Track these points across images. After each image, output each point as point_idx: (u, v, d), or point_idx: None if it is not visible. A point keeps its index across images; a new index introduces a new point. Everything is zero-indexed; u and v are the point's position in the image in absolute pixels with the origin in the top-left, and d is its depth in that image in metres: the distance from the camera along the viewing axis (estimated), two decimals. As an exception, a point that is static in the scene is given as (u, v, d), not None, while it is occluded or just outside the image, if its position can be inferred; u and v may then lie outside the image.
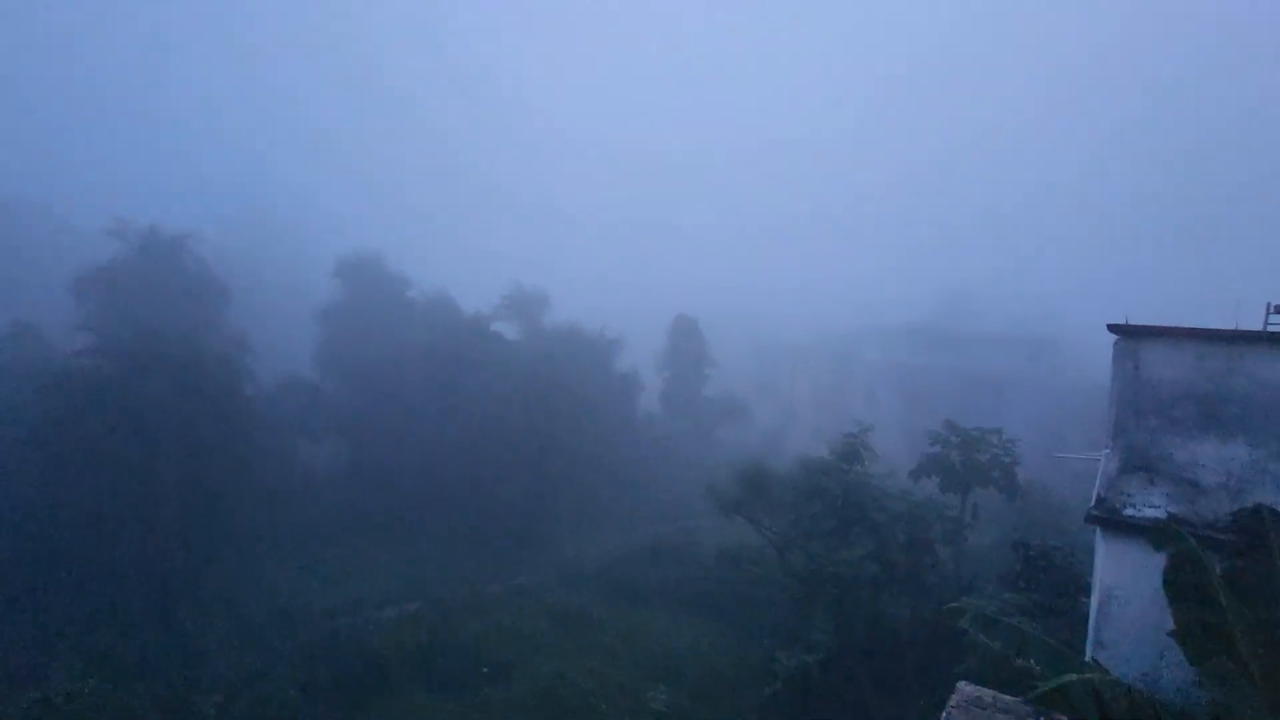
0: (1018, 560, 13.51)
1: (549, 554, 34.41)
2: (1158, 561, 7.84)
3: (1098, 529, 9.23)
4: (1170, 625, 7.43)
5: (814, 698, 16.60)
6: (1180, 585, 7.25)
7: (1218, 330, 8.87)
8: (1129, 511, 8.95)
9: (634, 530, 39.12)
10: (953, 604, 8.10)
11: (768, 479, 19.95)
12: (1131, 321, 9.44)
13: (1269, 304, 11.75)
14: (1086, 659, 8.91)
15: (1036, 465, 24.46)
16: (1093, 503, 9.56)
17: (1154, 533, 7.79)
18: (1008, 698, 5.14)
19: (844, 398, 61.03)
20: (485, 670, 21.57)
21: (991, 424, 27.06)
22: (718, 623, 23.84)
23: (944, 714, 5.05)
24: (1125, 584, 8.76)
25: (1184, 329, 9.04)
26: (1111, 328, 9.54)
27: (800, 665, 14.77)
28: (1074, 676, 5.64)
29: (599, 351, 49.59)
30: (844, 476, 18.47)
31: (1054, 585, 12.29)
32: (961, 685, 5.36)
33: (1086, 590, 9.32)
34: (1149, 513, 8.79)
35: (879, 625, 16.66)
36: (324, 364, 43.59)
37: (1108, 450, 9.34)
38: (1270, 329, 10.77)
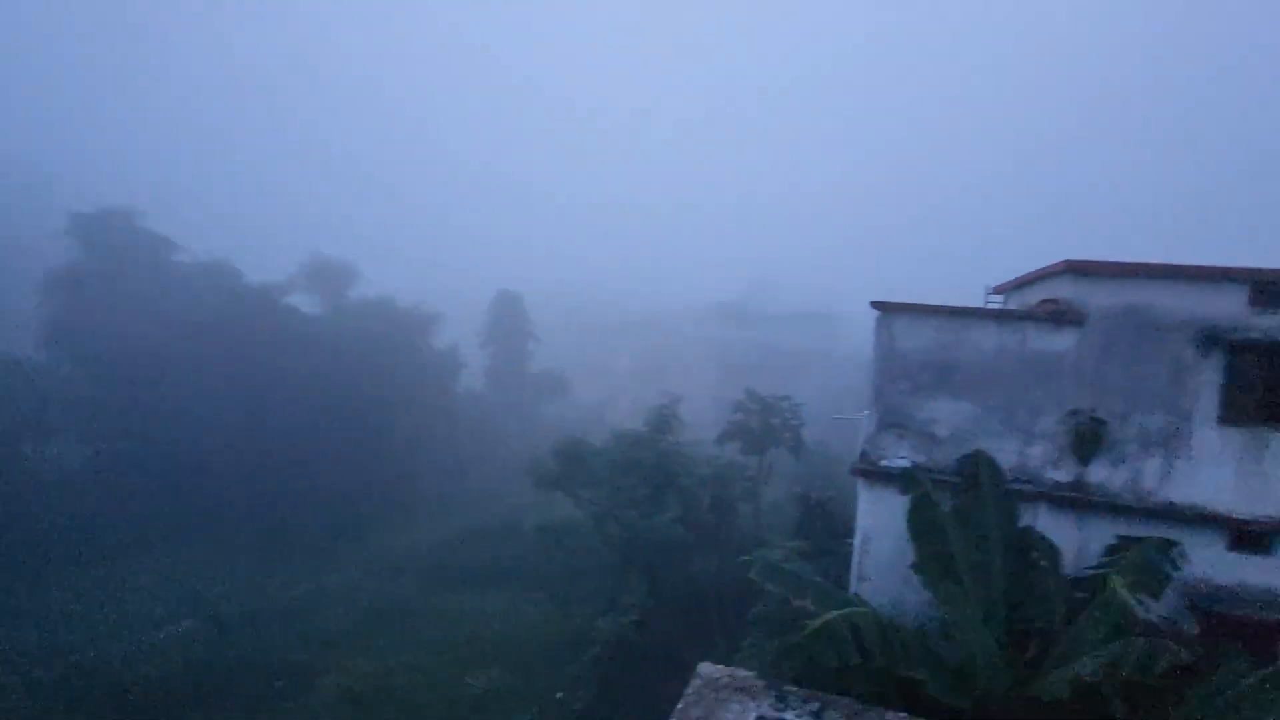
0: (799, 511, 15.23)
1: (365, 548, 31.87)
2: (904, 504, 9.16)
3: (859, 479, 10.56)
4: (913, 558, 8.76)
5: (632, 657, 17.43)
6: (919, 523, 8.51)
7: (950, 307, 10.43)
8: (884, 463, 10.33)
9: (457, 514, 37.66)
10: (745, 557, 8.75)
11: (586, 453, 20.28)
12: (892, 299, 10.80)
13: (987, 286, 14.25)
14: (851, 593, 10.21)
15: (822, 426, 27.89)
16: (856, 457, 10.92)
17: (901, 479, 9.07)
18: (744, 673, 5.52)
19: (664, 372, 64.16)
20: (279, 683, 19.38)
21: (790, 392, 30.18)
22: (542, 598, 23.94)
23: (682, 700, 5.26)
24: (880, 525, 10.13)
25: (927, 305, 10.49)
26: (873, 304, 10.83)
27: (617, 629, 15.37)
28: (835, 613, 6.31)
29: (414, 327, 46.42)
30: (656, 446, 19.45)
31: (828, 530, 14.13)
32: (701, 667, 5.66)
33: (853, 533, 10.61)
34: (898, 463, 10.21)
35: (689, 582, 17.88)
36: (56, 343, 35.38)
37: (868, 411, 10.67)
38: (989, 306, 13.04)
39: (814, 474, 24.14)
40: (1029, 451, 9.74)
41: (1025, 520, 9.28)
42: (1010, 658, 7.05)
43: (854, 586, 10.28)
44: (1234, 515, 8.97)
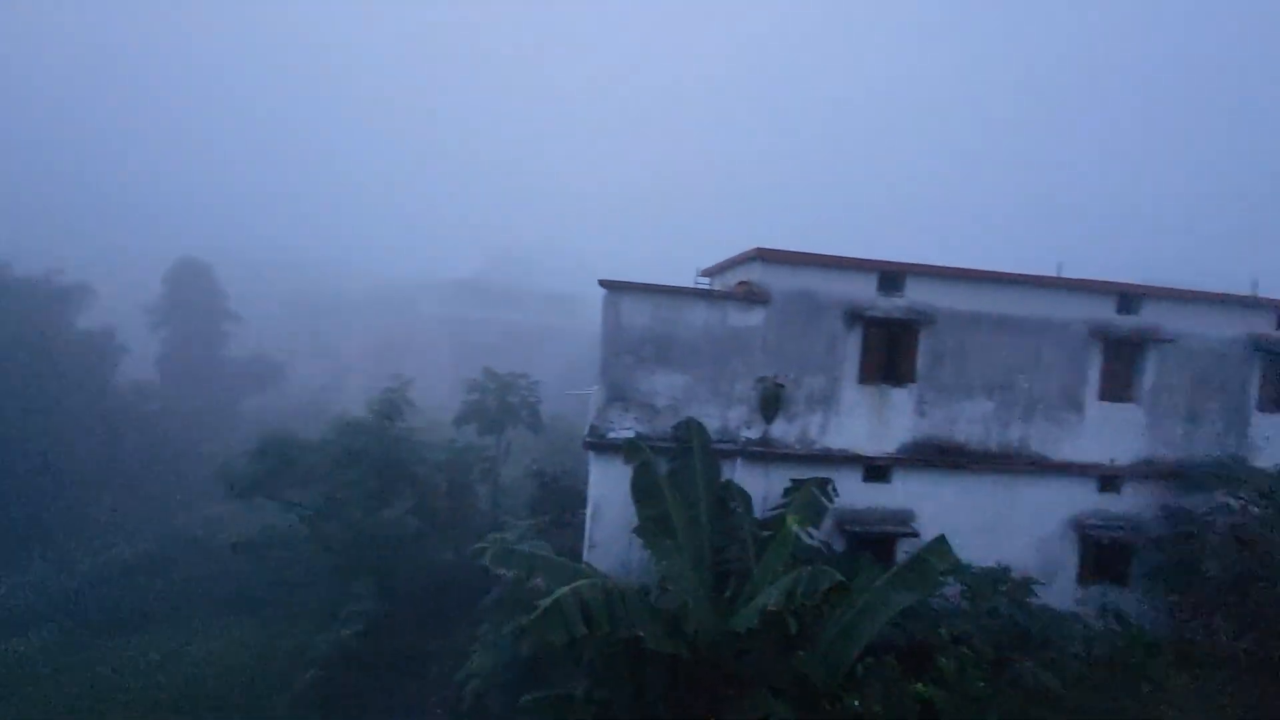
0: (536, 487, 15.43)
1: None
2: (629, 472, 9.70)
3: (590, 451, 10.93)
4: (637, 522, 9.34)
5: (363, 669, 15.84)
6: (640, 488, 9.07)
7: (667, 287, 11.27)
8: (611, 435, 10.81)
9: (122, 536, 29.89)
10: (478, 544, 8.37)
11: (294, 450, 17.56)
12: (620, 278, 11.25)
13: (698, 269, 15.81)
14: (584, 562, 10.54)
15: (562, 403, 28.72)
16: (586, 431, 11.26)
17: (625, 449, 9.58)
18: None
19: (397, 353, 59.52)
20: None
21: (533, 371, 30.33)
22: (248, 621, 20.33)
23: None
24: (609, 493, 10.61)
25: (649, 285, 11.18)
26: (601, 283, 11.19)
27: (338, 643, 13.74)
28: (563, 589, 6.33)
29: (45, 304, 35.28)
30: (385, 434, 17.82)
31: (563, 504, 14.57)
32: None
33: (586, 504, 10.94)
34: (623, 433, 10.78)
35: (427, 576, 16.87)
36: None
37: (597, 386, 11.07)
38: (699, 287, 14.44)
39: (555, 450, 24.72)
40: (729, 415, 11.10)
41: (726, 475, 10.58)
42: (716, 599, 7.92)
43: (586, 555, 10.65)
44: (866, 454, 11.45)
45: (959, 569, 9.85)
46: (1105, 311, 12.00)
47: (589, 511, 10.78)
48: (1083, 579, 12.16)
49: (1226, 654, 10.85)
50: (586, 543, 10.70)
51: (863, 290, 11.48)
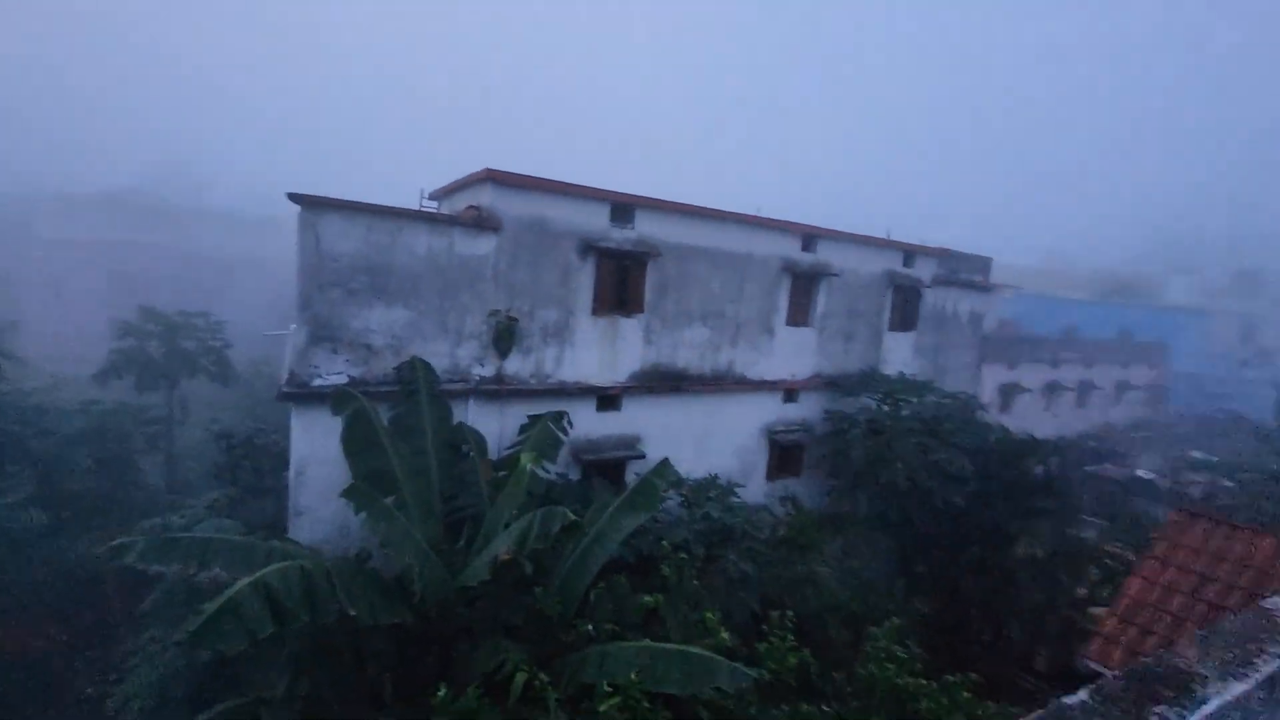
0: (222, 452, 12.75)
1: None
2: (339, 425, 8.32)
3: (291, 404, 9.16)
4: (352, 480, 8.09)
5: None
6: (355, 441, 7.83)
7: (381, 206, 9.66)
8: (317, 382, 9.17)
9: None
10: (120, 539, 6.34)
11: None
12: (318, 194, 9.26)
13: (422, 190, 14.09)
14: (289, 535, 8.96)
15: (262, 346, 24.16)
16: (284, 378, 9.39)
17: (333, 398, 8.16)
18: None
19: (7, 288, 43.74)
20: None
21: (225, 310, 24.70)
22: None
23: None
24: (316, 451, 9.08)
25: (357, 203, 9.44)
26: (292, 197, 9.13)
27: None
28: (243, 582, 5.07)
29: None
30: (-27, 401, 12.65)
31: (258, 469, 12.28)
32: None
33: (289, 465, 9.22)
34: (333, 380, 9.22)
35: (63, 580, 12.92)
36: None
37: (295, 325, 9.21)
38: (425, 209, 12.88)
39: (255, 401, 20.80)
40: (459, 352, 10.25)
41: (458, 417, 9.84)
42: (448, 554, 7.31)
43: (291, 525, 9.08)
44: (599, 385, 11.72)
45: (679, 483, 10.81)
46: (793, 249, 13.90)
47: (291, 474, 9.12)
48: (770, 476, 14.48)
49: (864, 519, 14.05)
50: (291, 511, 9.09)
51: (596, 221, 11.37)
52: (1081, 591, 15.79)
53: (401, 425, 8.84)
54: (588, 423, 11.66)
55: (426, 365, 9.60)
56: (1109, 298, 50.24)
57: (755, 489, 14.08)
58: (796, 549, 11.78)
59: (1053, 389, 30.21)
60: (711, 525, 10.65)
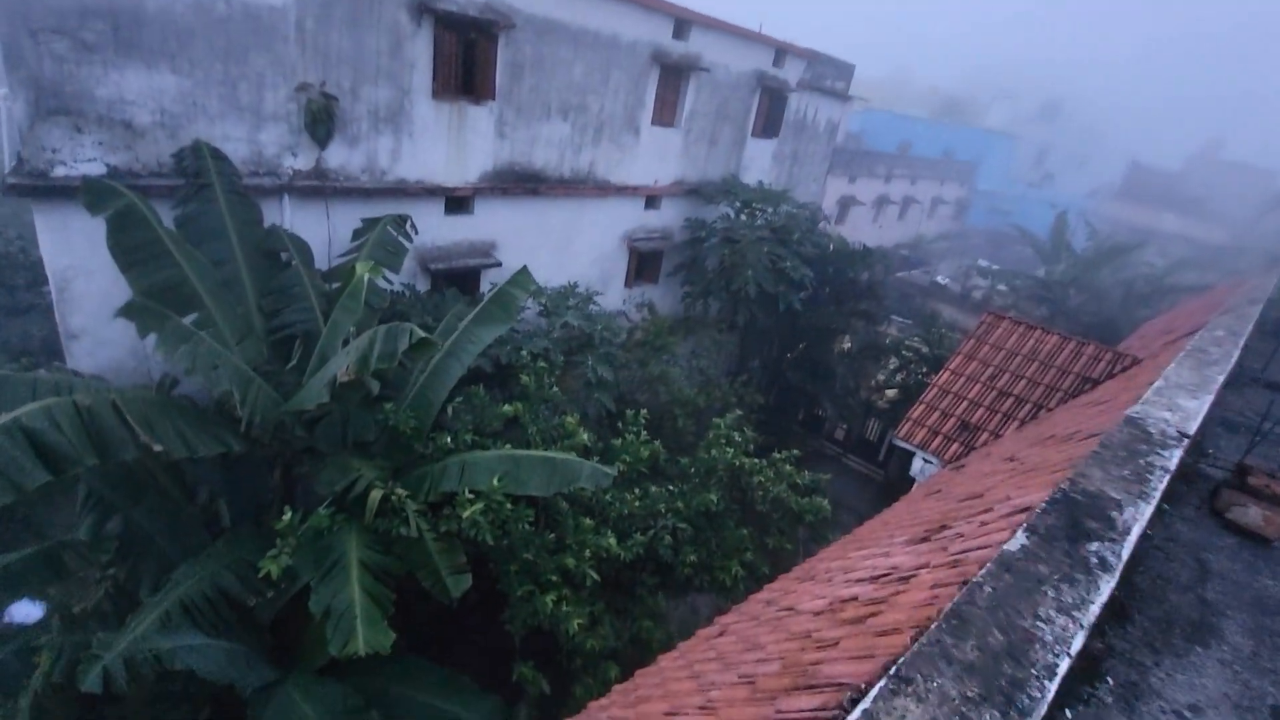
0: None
1: None
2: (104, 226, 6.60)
3: (29, 199, 7.06)
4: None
5: None
6: (128, 248, 6.30)
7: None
8: (60, 171, 7.06)
9: None
10: None
11: None
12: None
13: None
14: (67, 364, 7.49)
15: None
16: (8, 165, 7.12)
17: (84, 192, 6.33)
18: None
19: None
20: None
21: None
22: None
23: None
24: (81, 259, 7.31)
25: (67, -95, 6.60)
26: (-54, -123, 6.10)
27: None
28: (-5, 420, 4.05)
29: None
30: None
31: (6, 283, 9.72)
32: None
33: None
34: (85, 168, 7.15)
35: None
36: None
37: (6, 89, 6.74)
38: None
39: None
40: (262, 137, 8.32)
41: (271, 219, 8.30)
42: (276, 375, 6.53)
43: (67, 351, 7.53)
44: (447, 185, 10.40)
45: (538, 293, 10.42)
46: (664, 35, 12.45)
47: (53, 290, 7.33)
48: (629, 283, 14.54)
49: (713, 322, 14.89)
50: (63, 335, 7.47)
51: (426, -28, 9.11)
52: (880, 377, 18.61)
53: (194, 228, 7.24)
54: (435, 227, 10.50)
55: (218, 153, 7.69)
56: (941, 117, 53.30)
57: (614, 296, 14.13)
58: (651, 351, 12.31)
59: (881, 202, 32.65)
60: (570, 333, 10.63)
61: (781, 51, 15.19)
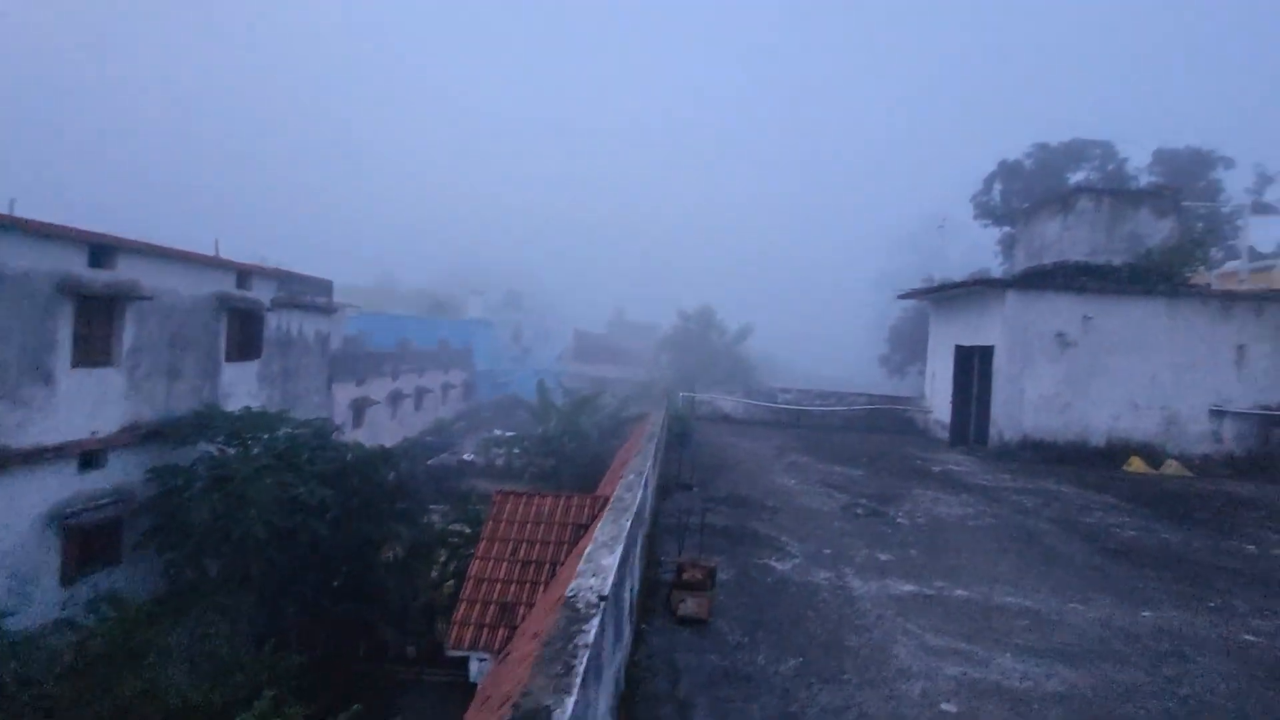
0: None
1: None
2: None
3: None
4: None
5: None
6: None
7: None
8: None
9: None
10: None
11: None
12: None
13: None
14: None
15: None
16: None
17: None
18: None
19: None
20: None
21: None
22: None
23: None
24: None
25: None
26: None
27: None
28: None
29: None
30: None
31: None
32: None
33: None
34: None
35: None
36: None
37: None
38: None
39: None
40: None
41: None
42: None
43: None
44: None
45: None
46: (77, 264, 10.30)
47: None
48: (68, 578, 10.54)
49: (217, 585, 11.98)
50: None
51: (74, 261, 5.31)
52: (434, 574, 18.27)
53: None
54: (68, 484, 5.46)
55: None
56: (430, 313, 59.81)
57: (45, 604, 9.94)
58: (126, 660, 9.00)
59: (396, 398, 33.69)
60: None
61: (245, 273, 14.58)
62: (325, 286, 20.43)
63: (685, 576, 5.24)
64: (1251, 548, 8.18)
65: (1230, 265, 22.08)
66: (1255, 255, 22.57)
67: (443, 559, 17.71)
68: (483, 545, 8.77)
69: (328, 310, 19.96)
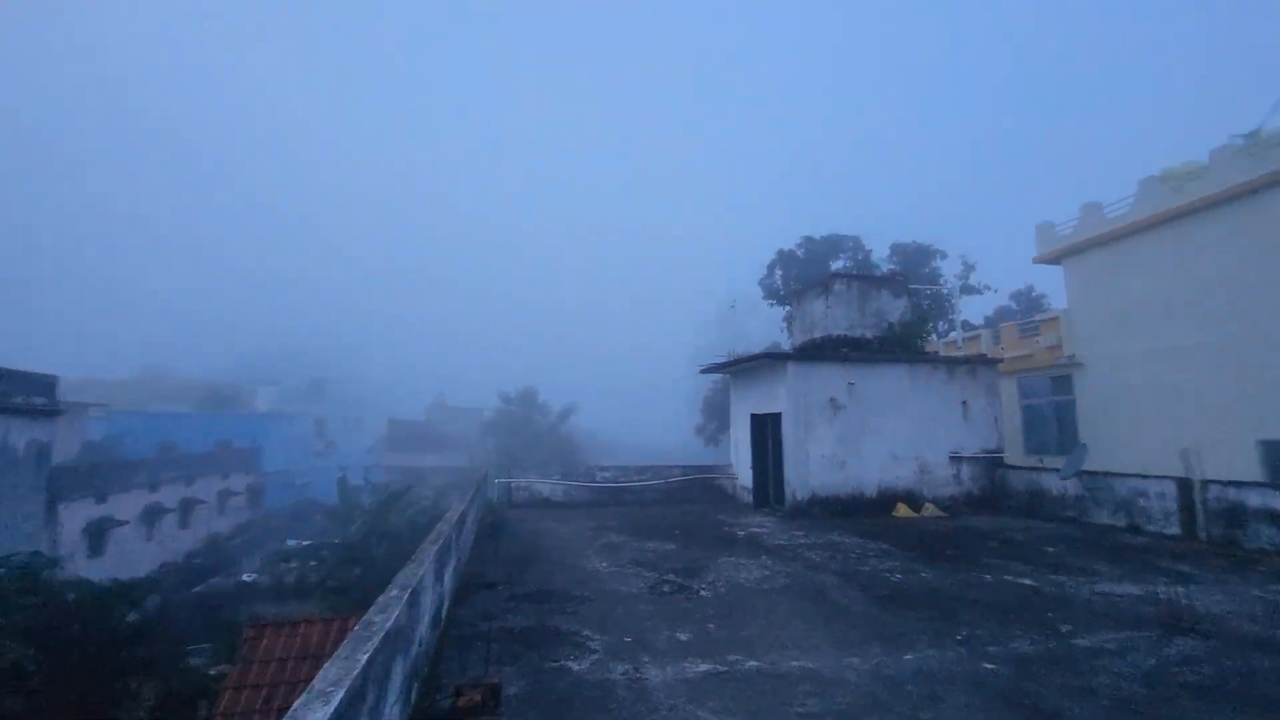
0: None
1: None
2: None
3: None
4: None
5: None
6: None
7: None
8: None
9: None
10: None
11: None
12: None
13: None
14: None
15: None
16: None
17: None
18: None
19: None
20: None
21: None
22: None
23: None
24: None
25: None
26: None
27: None
28: None
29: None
30: None
31: None
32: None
33: None
34: None
35: None
36: None
37: None
38: None
39: None
40: None
41: None
42: None
43: None
44: None
45: None
46: None
47: None
48: None
49: None
50: None
51: None
52: (196, 733, 14.80)
53: None
54: None
55: None
56: (205, 408, 51.68)
57: None
58: None
59: (153, 513, 28.00)
60: None
61: (-88, 376, 11.34)
62: (45, 384, 16.68)
63: (461, 702, 4.66)
64: (988, 577, 9.50)
65: (951, 335, 27.16)
66: (967, 327, 28.20)
67: (204, 713, 14.44)
68: (225, 698, 7.19)
69: (49, 412, 16.20)
